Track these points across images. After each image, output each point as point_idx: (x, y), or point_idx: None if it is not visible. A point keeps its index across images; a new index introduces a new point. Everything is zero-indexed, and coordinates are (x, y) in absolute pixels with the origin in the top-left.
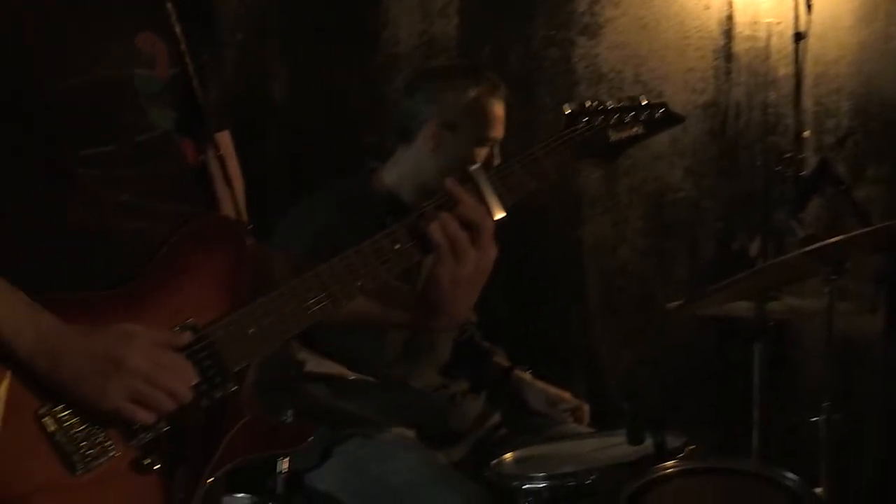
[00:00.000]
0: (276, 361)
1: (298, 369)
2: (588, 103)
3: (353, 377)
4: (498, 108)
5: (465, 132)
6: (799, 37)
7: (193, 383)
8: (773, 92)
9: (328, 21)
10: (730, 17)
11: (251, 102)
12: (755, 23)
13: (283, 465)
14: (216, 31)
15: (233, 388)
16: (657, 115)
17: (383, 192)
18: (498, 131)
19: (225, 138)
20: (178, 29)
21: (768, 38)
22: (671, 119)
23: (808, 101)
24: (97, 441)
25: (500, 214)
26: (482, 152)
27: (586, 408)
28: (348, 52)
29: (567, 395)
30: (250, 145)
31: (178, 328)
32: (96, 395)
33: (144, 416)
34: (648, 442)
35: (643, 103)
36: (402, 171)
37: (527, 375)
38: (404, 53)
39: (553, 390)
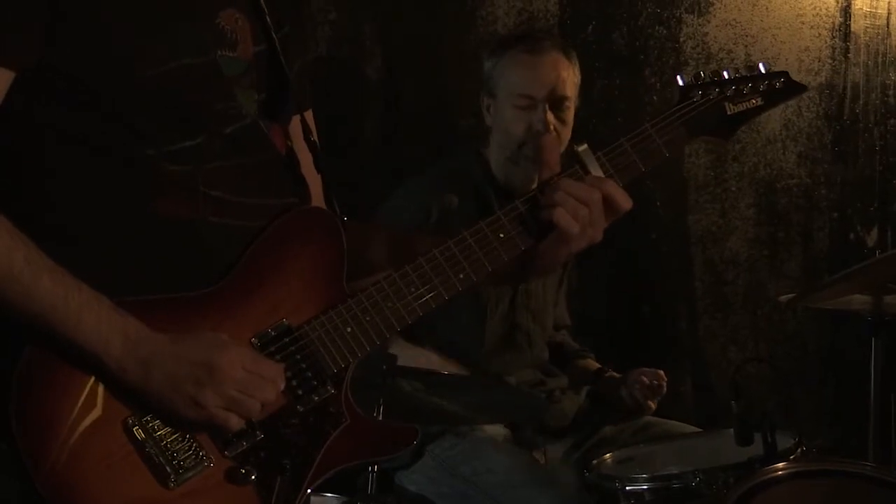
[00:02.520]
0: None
1: (391, 363)
2: (703, 74)
3: (447, 372)
4: (542, 65)
5: (503, 94)
6: None
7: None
8: (893, 72)
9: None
10: None
11: (346, 83)
12: None
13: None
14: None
15: (331, 392)
16: (778, 84)
17: (487, 173)
18: (541, 89)
19: (308, 117)
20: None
21: (889, 15)
22: (793, 89)
23: None
24: (190, 451)
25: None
26: (530, 116)
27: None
28: (445, 31)
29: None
30: (345, 127)
31: (271, 329)
32: (189, 402)
33: (237, 423)
34: (757, 442)
35: (763, 72)
36: (490, 152)
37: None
38: (502, 32)
39: (647, 376)
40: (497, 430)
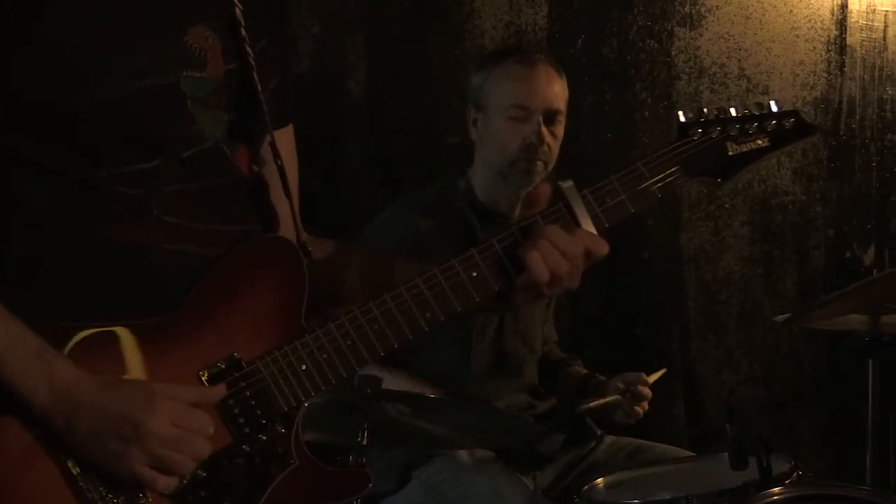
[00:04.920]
0: (351, 378)
1: (375, 386)
2: (706, 110)
3: (432, 395)
4: (536, 77)
5: (495, 106)
6: None
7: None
8: (889, 87)
9: (409, 12)
10: (843, 6)
11: (329, 98)
12: (871, 11)
13: None
14: (275, 10)
15: (281, 431)
16: (787, 124)
17: (470, 197)
18: (537, 100)
19: (286, 135)
20: (238, 13)
21: (885, 28)
22: (804, 130)
23: None
24: (124, 488)
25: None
26: (523, 128)
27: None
28: (430, 46)
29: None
30: (327, 144)
31: (221, 363)
32: (113, 459)
33: (165, 484)
34: (752, 466)
35: (772, 111)
36: (474, 171)
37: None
38: (490, 46)
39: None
40: (485, 455)
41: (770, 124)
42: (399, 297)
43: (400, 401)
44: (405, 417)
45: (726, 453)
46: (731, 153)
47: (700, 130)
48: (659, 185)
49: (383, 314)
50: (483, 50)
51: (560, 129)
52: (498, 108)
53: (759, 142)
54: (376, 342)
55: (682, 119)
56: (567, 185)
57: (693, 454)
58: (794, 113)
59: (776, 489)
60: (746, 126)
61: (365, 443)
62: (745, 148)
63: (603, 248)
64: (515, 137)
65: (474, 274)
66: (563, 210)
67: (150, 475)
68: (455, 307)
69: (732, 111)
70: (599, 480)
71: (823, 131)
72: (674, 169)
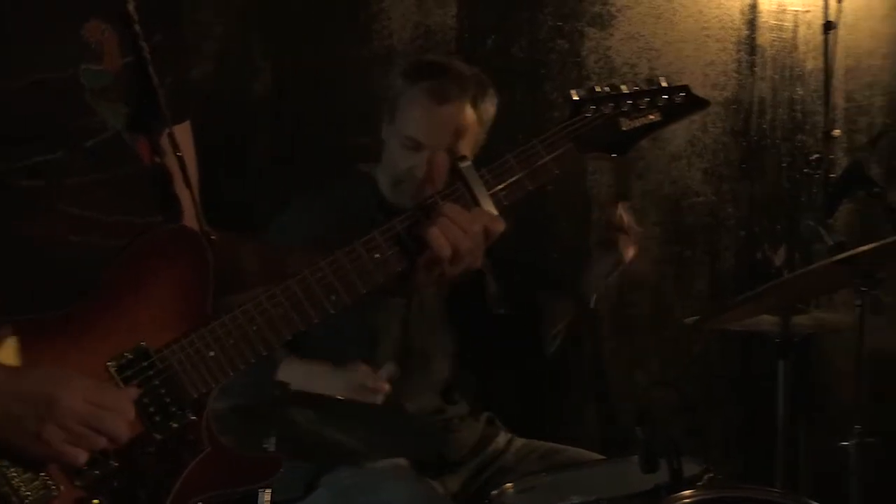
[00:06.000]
0: (257, 384)
1: (282, 390)
2: (598, 88)
3: (341, 397)
4: (440, 115)
5: (396, 127)
6: (829, 27)
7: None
8: (800, 87)
9: (315, 12)
10: (753, 6)
11: (234, 99)
12: (781, 11)
13: (265, 496)
14: (168, 5)
15: (191, 418)
16: (677, 99)
17: (377, 194)
18: (431, 140)
19: (184, 131)
20: (131, 7)
21: (795, 28)
22: (694, 104)
23: (838, 97)
24: (37, 479)
25: (493, 213)
26: (413, 157)
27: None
28: (337, 46)
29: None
30: (233, 144)
31: (128, 353)
32: (32, 439)
33: (84, 459)
34: (664, 469)
35: (662, 86)
36: (381, 168)
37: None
38: (399, 47)
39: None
40: (394, 460)
41: (661, 99)
42: (304, 281)
43: (307, 406)
44: (312, 425)
45: (637, 456)
46: (624, 128)
47: (593, 107)
48: (555, 161)
49: (288, 298)
50: (391, 51)
51: (463, 147)
52: (396, 130)
53: (651, 116)
54: (282, 326)
55: (576, 97)
56: (465, 164)
57: (604, 457)
58: (684, 87)
59: (687, 492)
60: (638, 101)
61: (272, 450)
62: (637, 123)
63: (499, 226)
64: (404, 161)
65: (377, 255)
66: (462, 189)
67: (70, 451)
68: (359, 288)
69: (624, 87)
70: (509, 485)
71: (709, 105)
72: (569, 145)
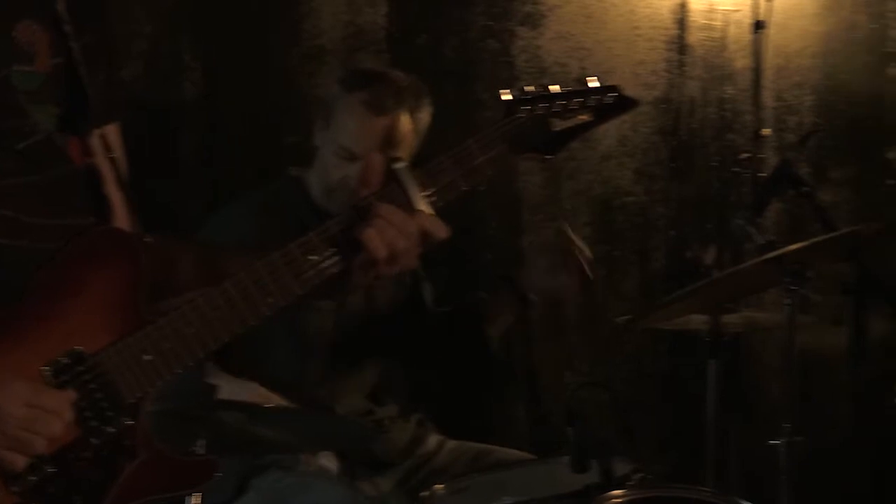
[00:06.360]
0: (186, 387)
1: (210, 395)
2: (529, 88)
3: (270, 404)
4: (374, 126)
5: (332, 133)
6: (759, 26)
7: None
8: (730, 86)
9: (245, 11)
10: (683, 5)
11: (162, 99)
12: (711, 11)
13: (194, 500)
14: (96, 6)
15: (128, 422)
16: (607, 99)
17: (308, 200)
18: (365, 150)
19: (114, 131)
20: (61, 7)
21: (725, 27)
22: (624, 103)
23: (767, 97)
24: None
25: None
26: (347, 166)
27: None
28: (268, 46)
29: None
30: (163, 145)
31: (63, 357)
32: None
33: (22, 464)
34: (595, 469)
35: (591, 86)
36: (314, 172)
37: None
38: (329, 46)
39: None
40: (327, 463)
41: (592, 99)
42: (240, 284)
43: (235, 408)
44: (242, 426)
45: (568, 457)
46: (556, 129)
47: (526, 108)
48: (489, 162)
49: (226, 301)
50: (322, 51)
51: (399, 151)
52: (331, 138)
53: (583, 117)
54: (219, 328)
55: (508, 97)
56: (400, 165)
57: (535, 458)
58: (614, 88)
59: (617, 492)
60: (569, 102)
61: (202, 452)
62: (569, 123)
63: (440, 231)
64: (337, 171)
65: (313, 257)
66: (397, 190)
67: (8, 456)
68: (296, 290)
69: (556, 88)
70: (441, 486)
71: (639, 105)
72: (503, 146)
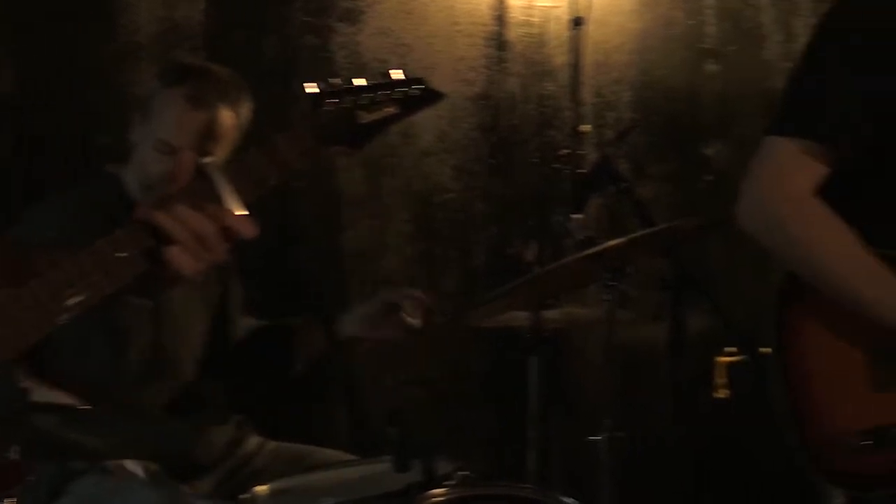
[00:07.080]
0: None
1: (23, 399)
2: (335, 82)
3: (85, 407)
4: (195, 121)
5: (150, 128)
6: (577, 22)
7: None
8: (549, 83)
9: (59, 5)
10: (502, 2)
11: None
12: (530, 7)
13: None
14: None
15: None
16: (413, 92)
17: (125, 197)
18: (186, 144)
19: None
20: None
21: (544, 23)
22: (429, 96)
23: (586, 93)
24: None
25: (240, 212)
26: (166, 161)
27: None
28: (82, 41)
29: None
30: None
31: None
32: None
33: None
34: (416, 469)
35: (396, 79)
36: (131, 170)
37: None
38: (145, 42)
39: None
40: (146, 466)
41: (397, 92)
42: (44, 283)
43: (49, 411)
44: (56, 429)
45: (390, 456)
46: (362, 121)
47: (333, 101)
48: (297, 156)
49: (33, 300)
50: (138, 47)
51: (220, 152)
52: (150, 133)
53: (389, 109)
54: (28, 328)
55: (314, 90)
56: (208, 160)
57: (357, 458)
58: (419, 80)
59: (439, 490)
60: (375, 95)
61: (16, 457)
62: (376, 116)
63: (248, 228)
64: (156, 166)
65: (122, 253)
66: (205, 186)
67: None
68: (105, 288)
69: (361, 81)
70: (262, 488)
71: (444, 97)
72: (310, 139)
